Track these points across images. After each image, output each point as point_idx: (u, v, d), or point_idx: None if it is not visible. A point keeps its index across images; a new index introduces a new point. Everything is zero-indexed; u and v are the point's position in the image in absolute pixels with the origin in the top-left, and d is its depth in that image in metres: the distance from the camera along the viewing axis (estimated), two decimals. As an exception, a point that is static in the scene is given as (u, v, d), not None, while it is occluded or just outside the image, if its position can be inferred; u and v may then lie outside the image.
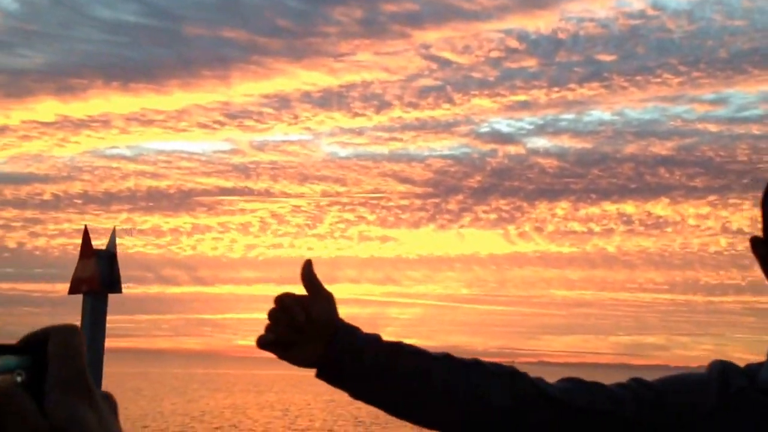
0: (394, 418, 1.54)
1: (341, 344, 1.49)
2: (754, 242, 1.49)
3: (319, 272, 1.49)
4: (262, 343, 1.48)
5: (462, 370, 1.50)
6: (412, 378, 1.49)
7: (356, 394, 1.51)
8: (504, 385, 1.49)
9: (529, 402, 1.48)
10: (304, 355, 1.50)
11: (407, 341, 1.55)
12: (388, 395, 1.51)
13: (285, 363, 1.51)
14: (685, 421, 1.45)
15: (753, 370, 1.47)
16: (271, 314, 1.49)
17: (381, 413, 1.55)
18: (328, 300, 1.51)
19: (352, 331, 1.51)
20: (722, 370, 1.49)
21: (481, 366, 1.52)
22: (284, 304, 1.48)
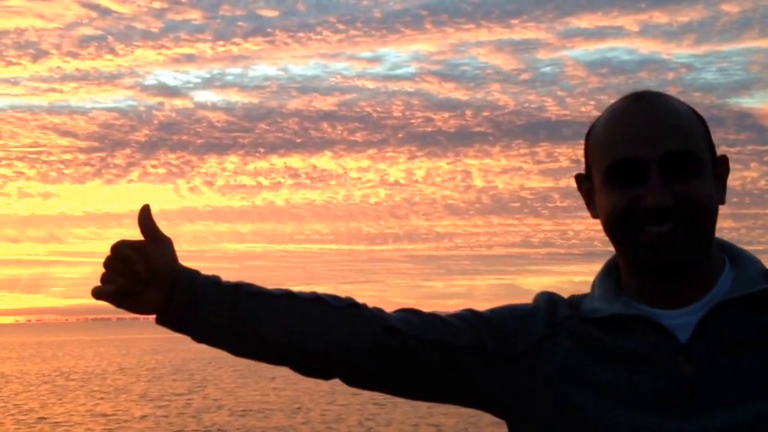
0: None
1: (181, 291, 1.46)
2: (578, 179, 1.57)
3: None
4: (99, 293, 1.42)
5: (303, 306, 1.51)
6: (253, 321, 1.48)
7: (199, 339, 1.50)
8: (345, 318, 1.51)
9: (371, 334, 1.50)
10: (143, 302, 1.46)
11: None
12: (233, 338, 1.50)
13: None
14: (518, 348, 1.52)
15: (577, 300, 1.58)
16: (108, 263, 1.43)
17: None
18: (167, 245, 1.48)
19: (192, 276, 1.48)
20: (549, 299, 1.58)
21: (320, 300, 1.53)
22: (121, 252, 1.43)
